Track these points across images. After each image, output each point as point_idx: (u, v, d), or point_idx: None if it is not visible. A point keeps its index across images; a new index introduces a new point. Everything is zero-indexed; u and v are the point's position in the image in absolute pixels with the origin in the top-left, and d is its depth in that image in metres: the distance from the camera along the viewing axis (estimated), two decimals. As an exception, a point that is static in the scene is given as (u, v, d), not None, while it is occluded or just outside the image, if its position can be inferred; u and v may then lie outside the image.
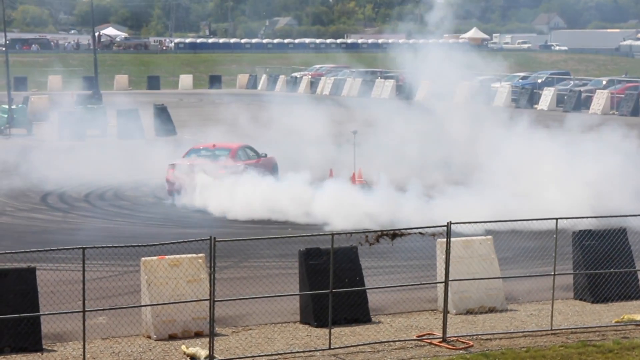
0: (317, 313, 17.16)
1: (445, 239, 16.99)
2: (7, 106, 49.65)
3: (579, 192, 26.18)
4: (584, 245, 19.15)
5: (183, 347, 15.86)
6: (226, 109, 50.58)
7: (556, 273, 17.87)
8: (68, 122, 46.83)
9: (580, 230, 19.37)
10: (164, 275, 16.42)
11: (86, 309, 15.16)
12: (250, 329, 17.14)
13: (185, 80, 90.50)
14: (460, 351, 16.27)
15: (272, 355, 15.82)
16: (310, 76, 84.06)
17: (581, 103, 62.82)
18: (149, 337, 16.43)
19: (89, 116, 48.03)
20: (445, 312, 16.94)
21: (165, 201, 30.54)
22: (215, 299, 15.73)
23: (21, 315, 15.22)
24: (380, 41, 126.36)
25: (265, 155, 32.76)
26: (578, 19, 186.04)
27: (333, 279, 16.50)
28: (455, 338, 16.84)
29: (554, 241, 17.68)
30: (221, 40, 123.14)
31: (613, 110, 61.30)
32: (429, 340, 16.76)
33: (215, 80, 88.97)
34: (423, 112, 38.48)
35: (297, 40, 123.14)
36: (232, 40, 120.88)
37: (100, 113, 49.27)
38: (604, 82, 68.43)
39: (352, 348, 16.25)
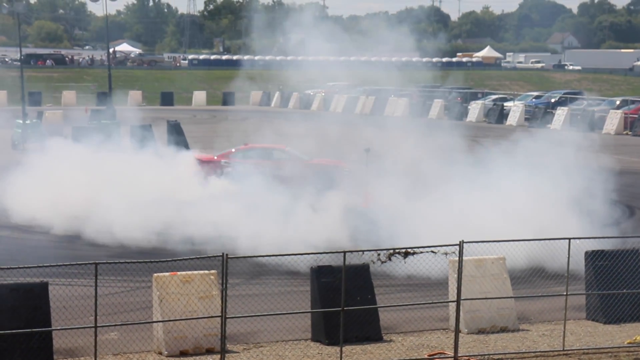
0: (328, 331, 17.14)
1: (457, 258, 16.98)
2: (21, 121, 49.83)
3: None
4: (596, 265, 19.10)
5: (194, 364, 15.85)
6: (239, 125, 50.67)
7: (568, 293, 17.82)
8: (82, 137, 46.94)
9: (593, 251, 19.32)
10: (176, 291, 16.44)
11: (98, 325, 15.18)
12: (262, 346, 17.13)
13: (199, 96, 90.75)
14: (472, 371, 16.23)
15: (283, 372, 15.80)
16: (323, 93, 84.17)
17: (594, 123, 62.72)
18: (160, 353, 16.43)
19: (103, 132, 48.15)
20: (457, 331, 16.90)
21: None
22: (227, 316, 15.73)
23: (33, 330, 15.24)
24: (393, 59, 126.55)
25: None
26: (592, 38, 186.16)
27: (345, 296, 16.49)
28: (467, 357, 16.79)
29: (567, 261, 17.64)
30: (235, 57, 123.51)
31: (626, 130, 61.18)
32: (440, 360, 16.73)
33: (228, 97, 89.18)
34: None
35: (310, 58, 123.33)
36: (246, 57, 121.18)
37: (113, 129, 49.39)
38: (618, 102, 68.31)
39: (363, 366, 16.22)
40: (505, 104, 71.84)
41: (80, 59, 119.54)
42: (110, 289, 20.37)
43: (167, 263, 16.39)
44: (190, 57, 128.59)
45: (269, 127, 39.90)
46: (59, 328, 15.89)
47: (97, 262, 15.21)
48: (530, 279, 21.36)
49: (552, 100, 72.16)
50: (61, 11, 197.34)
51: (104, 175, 28.99)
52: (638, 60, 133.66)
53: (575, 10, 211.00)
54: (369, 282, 17.57)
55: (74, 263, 16.16)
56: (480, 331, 18.22)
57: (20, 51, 62.25)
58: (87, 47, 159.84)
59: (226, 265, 15.47)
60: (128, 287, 20.78)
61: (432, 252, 17.50)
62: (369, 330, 17.50)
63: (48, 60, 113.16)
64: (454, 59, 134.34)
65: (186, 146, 48.65)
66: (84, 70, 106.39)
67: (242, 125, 48.89)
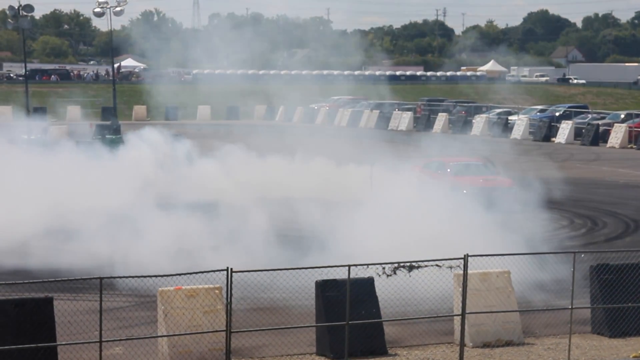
0: (333, 345, 17.13)
1: (462, 272, 16.97)
2: (26, 136, 49.90)
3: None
4: (602, 279, 19.08)
5: (199, 378, 15.84)
6: (244, 139, 50.69)
7: (574, 307, 17.80)
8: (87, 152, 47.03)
9: (598, 264, 19.30)
10: (181, 305, 16.44)
11: (103, 339, 15.18)
12: (267, 361, 17.12)
13: (203, 111, 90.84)
14: (477, 385, 16.20)
15: (288, 387, 15.78)
16: (327, 107, 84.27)
17: (599, 136, 62.71)
18: (165, 367, 16.43)
19: (108, 147, 48.21)
20: (462, 345, 16.88)
21: None
22: (232, 330, 15.72)
23: (38, 345, 15.25)
24: (397, 73, 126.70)
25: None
26: (596, 52, 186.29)
27: (349, 310, 16.48)
28: (472, 371, 16.77)
29: (572, 275, 17.62)
30: (239, 72, 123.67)
31: (631, 144, 61.16)
32: (445, 374, 16.70)
33: (232, 111, 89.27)
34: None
35: (314, 72, 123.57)
36: (250, 72, 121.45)
37: (118, 144, 49.44)
38: (622, 116, 68.31)
39: (368, 380, 16.20)
40: (509, 117, 71.86)
41: (85, 74, 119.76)
42: (115, 303, 20.36)
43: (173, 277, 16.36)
44: (195, 71, 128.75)
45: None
46: (64, 343, 15.89)
47: (102, 277, 15.22)
48: (536, 292, 21.35)
49: (557, 114, 72.16)
50: (66, 26, 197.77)
51: None
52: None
53: (579, 24, 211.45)
54: (373, 296, 17.56)
55: (79, 278, 16.15)
56: (486, 345, 18.19)
57: (25, 66, 62.40)
58: (91, 62, 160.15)
59: (231, 280, 15.48)
60: (133, 301, 20.77)
61: (437, 265, 17.49)
62: (373, 344, 17.48)
63: (53, 76, 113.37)
64: (458, 73, 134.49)
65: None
66: (89, 86, 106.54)
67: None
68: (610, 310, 19.03)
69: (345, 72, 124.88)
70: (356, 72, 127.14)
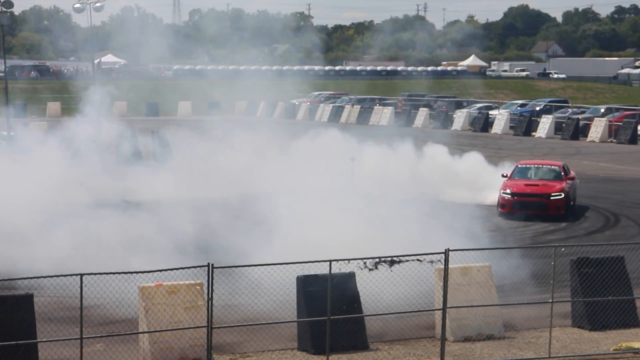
0: (314, 340, 17.13)
1: (443, 266, 17.00)
2: (5, 133, 49.66)
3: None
4: (582, 272, 19.15)
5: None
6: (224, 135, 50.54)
7: (554, 300, 17.86)
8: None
9: (578, 258, 19.38)
10: (162, 302, 16.41)
11: (83, 336, 15.13)
12: (248, 356, 17.11)
13: (184, 106, 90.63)
14: (458, 379, 16.24)
15: (269, 382, 15.78)
16: (308, 103, 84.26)
17: (579, 131, 62.93)
18: (147, 364, 16.40)
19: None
20: (443, 339, 16.92)
21: None
22: (213, 326, 15.71)
23: (18, 342, 15.19)
24: (378, 68, 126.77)
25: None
26: (576, 47, 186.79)
27: (331, 305, 16.49)
28: (453, 365, 16.81)
29: (552, 268, 17.68)
30: (220, 67, 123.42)
31: (611, 138, 61.40)
32: (426, 368, 16.74)
33: (213, 107, 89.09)
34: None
35: (295, 67, 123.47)
36: (231, 67, 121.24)
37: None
38: (602, 110, 68.63)
39: (349, 375, 16.21)
40: (490, 112, 72.02)
41: (65, 70, 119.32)
42: (96, 300, 20.27)
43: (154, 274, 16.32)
44: (176, 67, 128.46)
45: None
46: (44, 340, 15.84)
47: (82, 273, 15.18)
48: (516, 286, 21.42)
49: (537, 108, 72.40)
50: (46, 22, 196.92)
51: None
52: (622, 68, 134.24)
53: (559, 19, 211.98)
54: (355, 291, 17.58)
55: (59, 275, 16.08)
56: (467, 339, 18.23)
57: (5, 63, 62.08)
58: (72, 59, 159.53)
59: (212, 275, 15.46)
60: (114, 297, 20.68)
61: (418, 260, 17.52)
62: (355, 339, 17.50)
63: (33, 72, 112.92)
64: (439, 68, 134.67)
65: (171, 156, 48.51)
66: (69, 82, 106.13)
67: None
68: (590, 304, 19.11)
69: (326, 68, 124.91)
70: (337, 68, 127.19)
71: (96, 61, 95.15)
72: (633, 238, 29.03)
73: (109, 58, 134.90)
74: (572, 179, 33.71)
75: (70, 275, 15.65)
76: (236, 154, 35.95)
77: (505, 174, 33.79)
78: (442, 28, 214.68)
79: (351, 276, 17.56)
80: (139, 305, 16.52)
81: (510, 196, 32.37)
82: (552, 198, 32.22)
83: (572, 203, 33.32)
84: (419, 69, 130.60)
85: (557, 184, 32.75)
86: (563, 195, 32.31)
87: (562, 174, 33.40)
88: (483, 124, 69.27)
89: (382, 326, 18.47)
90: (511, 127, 67.54)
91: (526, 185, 32.73)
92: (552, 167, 34.15)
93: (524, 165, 34.38)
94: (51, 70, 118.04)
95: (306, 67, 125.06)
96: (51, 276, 15.87)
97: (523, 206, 32.12)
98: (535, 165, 34.42)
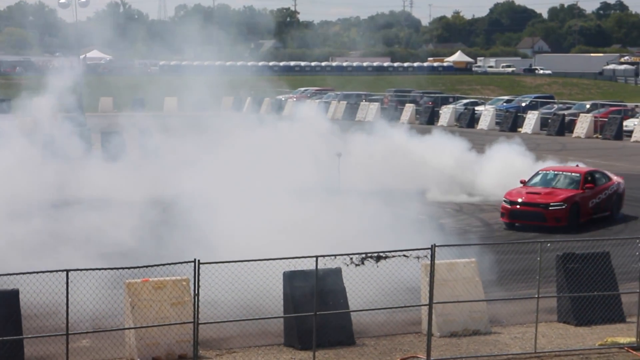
0: (301, 335, 17.14)
1: (429, 262, 17.02)
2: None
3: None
4: (567, 268, 19.21)
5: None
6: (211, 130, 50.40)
7: (540, 296, 17.91)
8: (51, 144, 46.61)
9: (564, 254, 19.43)
10: (148, 297, 16.39)
11: (69, 332, 15.10)
12: (235, 352, 17.10)
13: (170, 102, 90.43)
14: (444, 374, 16.27)
15: (256, 378, 15.77)
16: (295, 99, 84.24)
17: (565, 127, 63.08)
18: (133, 359, 16.37)
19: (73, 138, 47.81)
20: (429, 334, 16.95)
21: None
22: (199, 322, 15.69)
23: (4, 338, 15.15)
24: (365, 64, 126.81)
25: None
26: (562, 43, 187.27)
27: (317, 301, 16.49)
28: (439, 361, 16.84)
29: (538, 264, 17.73)
30: (206, 63, 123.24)
31: (596, 134, 61.56)
32: (413, 363, 16.76)
33: (199, 103, 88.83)
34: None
35: (282, 63, 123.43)
36: (217, 63, 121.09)
37: (84, 135, 49.12)
38: (588, 106, 68.84)
39: (336, 371, 16.22)
40: (476, 108, 72.14)
41: (51, 66, 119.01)
42: (82, 295, 20.23)
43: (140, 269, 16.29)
44: (161, 63, 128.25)
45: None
46: (30, 336, 15.80)
47: (68, 269, 15.14)
48: (502, 282, 21.47)
49: (523, 104, 72.53)
50: (31, 18, 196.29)
51: None
52: (607, 64, 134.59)
53: (545, 15, 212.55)
54: (341, 286, 17.59)
55: (45, 271, 16.03)
56: (453, 334, 18.27)
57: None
58: (57, 54, 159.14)
59: (198, 271, 15.45)
60: (100, 293, 20.64)
61: (405, 256, 17.53)
62: (341, 334, 17.51)
63: (18, 68, 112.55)
64: (425, 64, 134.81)
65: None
66: (55, 77, 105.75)
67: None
68: (576, 299, 19.17)
69: (313, 64, 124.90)
70: (323, 64, 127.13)
71: (82, 57, 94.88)
72: (619, 234, 29.12)
73: (94, 54, 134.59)
74: (603, 189, 31.21)
75: (56, 271, 15.61)
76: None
77: (523, 180, 31.40)
78: (428, 24, 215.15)
79: (337, 272, 17.57)
80: (124, 301, 16.49)
81: (508, 205, 30.08)
82: (550, 208, 29.69)
83: (592, 214, 30.68)
84: (405, 64, 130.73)
85: (563, 193, 30.20)
86: (565, 205, 29.67)
87: (582, 181, 30.65)
88: (469, 119, 69.35)
89: (368, 322, 18.48)
90: (497, 123, 67.65)
91: (528, 193, 30.27)
92: (573, 174, 31.28)
93: (544, 172, 31.78)
94: (36, 65, 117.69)
95: (292, 63, 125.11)
96: (36, 272, 15.82)
97: (520, 216, 29.89)
98: (555, 172, 31.69)
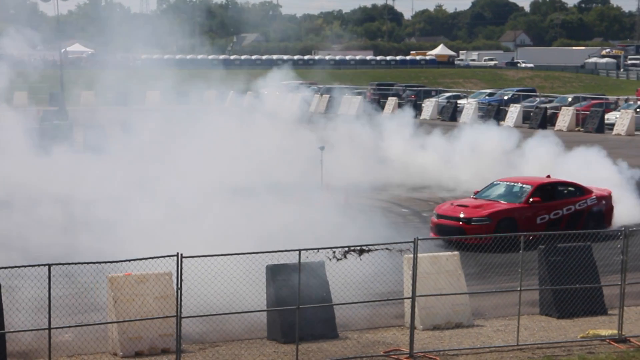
0: (284, 329, 17.15)
1: (412, 255, 17.06)
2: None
3: None
4: (549, 260, 19.28)
5: (150, 364, 15.79)
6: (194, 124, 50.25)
7: (522, 289, 17.97)
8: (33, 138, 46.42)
9: (546, 246, 19.49)
10: (131, 291, 16.36)
11: (52, 327, 15.06)
12: (217, 346, 17.09)
13: (153, 96, 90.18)
14: (427, 367, 16.31)
15: (239, 371, 15.77)
16: (277, 92, 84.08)
17: (547, 120, 63.27)
18: (115, 354, 16.35)
19: (55, 133, 47.66)
20: (412, 327, 16.98)
21: None
22: (182, 316, 15.68)
23: (-14, 332, 15.10)
24: (347, 57, 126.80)
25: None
26: (544, 36, 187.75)
27: (300, 294, 16.50)
28: (422, 354, 16.88)
29: (520, 257, 17.78)
30: (188, 57, 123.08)
31: (578, 127, 61.77)
32: (396, 356, 16.80)
33: (182, 96, 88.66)
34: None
35: (264, 57, 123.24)
36: (200, 57, 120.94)
37: (66, 129, 49.02)
38: (570, 99, 69.06)
39: (319, 364, 16.24)
40: (458, 101, 72.26)
41: (32, 60, 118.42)
42: (64, 290, 20.17)
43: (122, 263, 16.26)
44: (144, 56, 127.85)
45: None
46: (12, 331, 15.75)
47: (50, 263, 15.10)
48: (485, 275, 21.54)
49: (505, 97, 72.70)
50: (12, 12, 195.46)
51: None
52: (589, 58, 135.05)
53: (527, 8, 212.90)
54: (324, 280, 17.60)
55: (27, 265, 15.97)
56: (436, 327, 18.31)
57: (-30, 52, 61.52)
58: (38, 48, 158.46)
59: (181, 265, 15.43)
60: (82, 288, 20.59)
61: (387, 249, 17.56)
62: (325, 328, 17.53)
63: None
64: (408, 57, 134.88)
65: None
66: (36, 71, 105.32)
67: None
68: (558, 292, 19.24)
69: (295, 57, 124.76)
70: (306, 57, 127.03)
71: (63, 50, 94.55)
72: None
73: (76, 47, 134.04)
74: (565, 204, 27.38)
75: (38, 265, 15.56)
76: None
77: (477, 191, 28.22)
78: (410, 17, 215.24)
79: (320, 265, 17.59)
80: (107, 295, 16.46)
81: (435, 217, 26.85)
82: (473, 224, 25.94)
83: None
84: (388, 58, 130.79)
85: (495, 207, 26.57)
86: (490, 221, 25.99)
87: (528, 195, 26.81)
88: (452, 113, 69.46)
89: (351, 315, 18.51)
90: (479, 116, 67.76)
91: (458, 205, 26.82)
92: (524, 185, 27.52)
93: (497, 182, 28.17)
94: (17, 59, 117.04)
95: (274, 57, 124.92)
96: (18, 267, 15.77)
97: (442, 230, 26.17)
98: (507, 183, 28.02)
